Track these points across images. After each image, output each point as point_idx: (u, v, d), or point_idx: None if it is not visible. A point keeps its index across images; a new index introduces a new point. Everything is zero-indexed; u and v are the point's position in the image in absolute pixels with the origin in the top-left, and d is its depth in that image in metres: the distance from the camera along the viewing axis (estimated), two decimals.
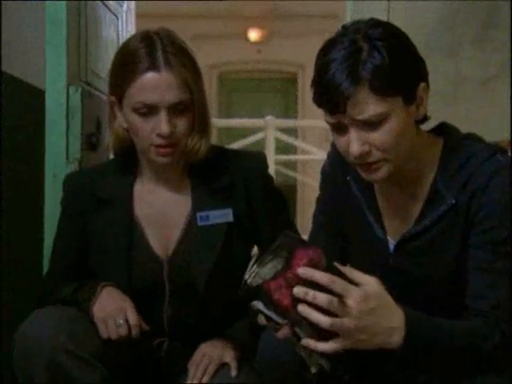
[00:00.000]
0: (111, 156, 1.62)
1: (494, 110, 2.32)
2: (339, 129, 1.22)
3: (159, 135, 1.38)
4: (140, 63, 1.38)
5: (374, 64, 1.16)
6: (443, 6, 2.31)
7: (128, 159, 1.53)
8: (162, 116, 1.38)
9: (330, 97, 1.17)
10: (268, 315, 1.09)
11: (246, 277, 1.09)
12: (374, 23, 1.21)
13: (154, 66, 1.37)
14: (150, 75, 1.37)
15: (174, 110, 1.39)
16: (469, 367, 1.17)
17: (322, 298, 1.06)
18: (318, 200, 1.46)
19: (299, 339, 1.08)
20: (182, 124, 1.40)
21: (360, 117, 1.17)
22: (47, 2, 2.02)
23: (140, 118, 1.40)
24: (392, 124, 1.19)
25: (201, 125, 1.45)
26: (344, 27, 1.22)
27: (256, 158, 1.55)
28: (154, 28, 1.45)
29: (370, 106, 1.17)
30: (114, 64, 1.45)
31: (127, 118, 1.43)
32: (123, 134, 1.47)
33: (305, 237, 1.46)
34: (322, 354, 1.08)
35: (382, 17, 2.17)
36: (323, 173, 1.45)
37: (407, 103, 1.21)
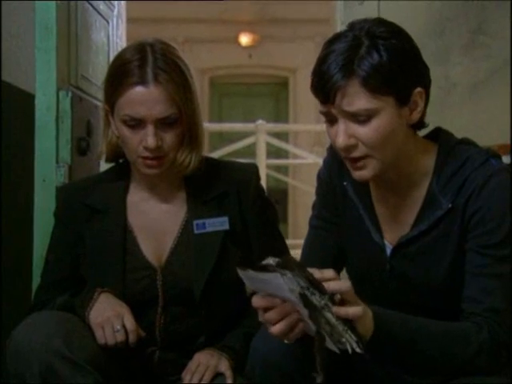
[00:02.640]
0: (102, 161, 1.62)
1: (484, 115, 2.33)
2: (330, 120, 1.24)
3: (146, 148, 1.40)
4: (130, 76, 1.39)
5: (370, 62, 1.17)
6: (433, 13, 2.32)
7: (121, 168, 1.54)
8: (149, 130, 1.39)
9: (322, 86, 1.19)
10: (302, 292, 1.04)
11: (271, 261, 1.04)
12: (379, 21, 1.23)
13: (142, 81, 1.39)
14: (138, 89, 1.39)
15: (162, 124, 1.40)
16: (450, 364, 1.18)
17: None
18: (314, 205, 1.46)
19: (318, 326, 1.05)
20: (169, 138, 1.42)
21: (348, 108, 1.19)
22: (37, 6, 2.01)
23: (128, 130, 1.41)
24: (380, 122, 1.20)
25: (190, 139, 1.47)
26: (351, 23, 1.24)
27: (248, 170, 1.56)
28: (150, 39, 1.46)
29: (359, 100, 1.18)
30: (108, 74, 1.46)
31: (117, 127, 1.44)
32: (116, 142, 1.48)
33: (298, 241, 1.47)
34: (349, 329, 1.06)
35: None
36: (319, 178, 1.45)
37: (399, 104, 1.21)
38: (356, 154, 1.23)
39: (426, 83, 1.25)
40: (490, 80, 2.33)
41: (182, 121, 1.43)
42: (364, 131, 1.20)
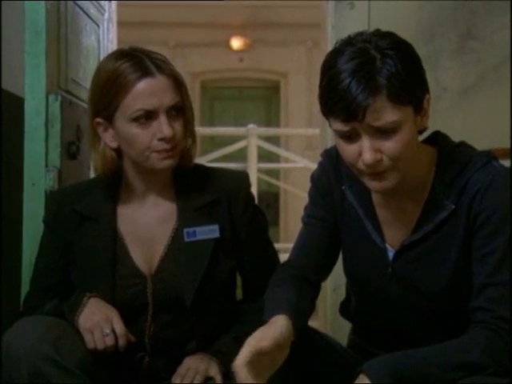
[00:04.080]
0: (92, 165, 1.61)
1: (474, 119, 2.34)
2: (349, 137, 1.22)
3: (162, 139, 1.40)
4: (131, 74, 1.39)
5: (390, 71, 1.17)
6: (423, 18, 2.33)
7: (112, 175, 1.52)
8: (163, 120, 1.40)
9: (346, 106, 1.18)
10: None
11: None
12: (382, 34, 1.24)
13: (148, 73, 1.40)
14: (145, 81, 1.40)
15: (171, 113, 1.42)
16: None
17: None
18: (307, 207, 1.46)
19: None
20: (178, 127, 1.43)
21: (377, 124, 1.18)
22: (26, 9, 2.00)
23: (138, 127, 1.41)
24: (404, 133, 1.21)
25: (191, 130, 1.48)
26: (349, 37, 1.24)
27: (239, 178, 1.56)
28: (125, 47, 1.47)
29: (387, 113, 1.18)
30: (96, 87, 1.45)
31: (122, 131, 1.43)
32: (111, 155, 1.47)
33: (289, 245, 1.47)
34: None
35: (363, 28, 2.17)
36: (314, 180, 1.45)
37: (416, 113, 1.23)
38: (381, 168, 1.22)
39: (428, 88, 1.27)
40: (480, 84, 2.35)
41: (185, 110, 1.45)
42: (390, 145, 1.20)
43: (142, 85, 1.40)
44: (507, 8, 2.32)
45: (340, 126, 1.21)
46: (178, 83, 1.43)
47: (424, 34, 2.32)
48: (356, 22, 2.24)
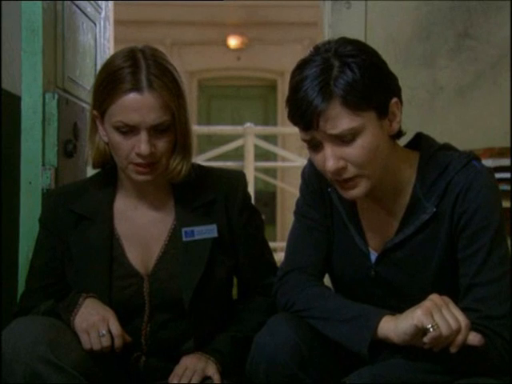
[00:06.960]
0: (88, 165, 1.61)
1: (470, 118, 2.35)
2: (314, 146, 1.24)
3: (138, 155, 1.39)
4: (123, 83, 1.38)
5: (346, 80, 1.18)
6: (420, 18, 2.34)
7: (108, 175, 1.53)
8: (142, 136, 1.38)
9: (302, 113, 1.19)
10: None
11: None
12: (344, 41, 1.24)
13: (136, 87, 1.37)
14: (132, 96, 1.37)
15: (155, 130, 1.39)
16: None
17: None
18: (299, 203, 1.46)
19: None
20: (162, 144, 1.41)
21: (332, 131, 1.19)
22: (23, 8, 2.00)
23: (120, 136, 1.40)
24: (366, 139, 1.21)
25: (182, 145, 1.46)
26: (316, 47, 1.25)
27: (236, 177, 1.56)
28: (139, 45, 1.45)
29: (342, 120, 1.18)
30: (98, 80, 1.44)
31: (108, 134, 1.43)
32: (104, 148, 1.47)
33: (283, 243, 1.46)
34: None
35: (360, 28, 2.20)
36: (305, 179, 1.45)
37: (380, 118, 1.22)
38: (346, 175, 1.23)
39: (398, 93, 1.27)
40: (477, 83, 2.35)
41: (175, 127, 1.42)
42: (352, 151, 1.21)
43: (129, 98, 1.37)
44: (504, 7, 2.33)
45: (303, 135, 1.23)
46: (169, 102, 1.39)
47: (421, 33, 2.33)
48: (353, 22, 2.24)
